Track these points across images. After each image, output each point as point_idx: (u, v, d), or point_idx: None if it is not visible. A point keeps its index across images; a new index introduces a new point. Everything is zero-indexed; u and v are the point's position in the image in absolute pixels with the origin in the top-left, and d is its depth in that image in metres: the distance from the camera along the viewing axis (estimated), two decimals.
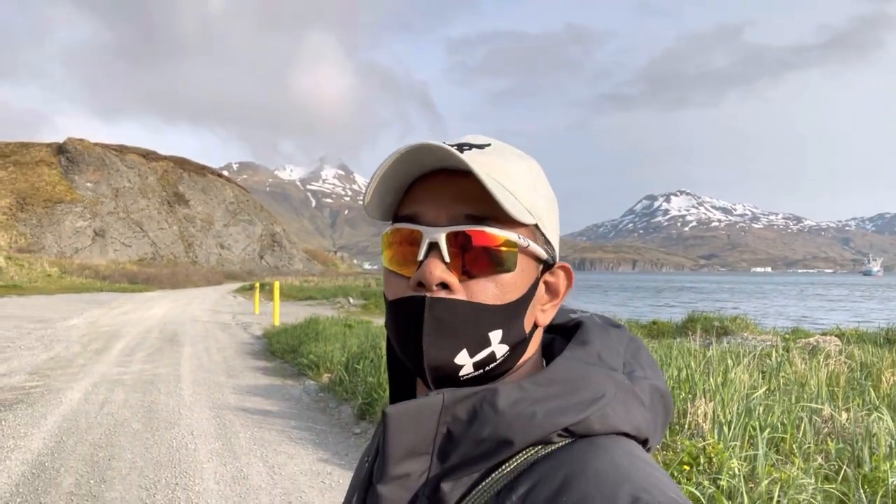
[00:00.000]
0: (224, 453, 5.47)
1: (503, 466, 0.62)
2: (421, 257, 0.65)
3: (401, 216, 0.69)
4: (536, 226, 0.69)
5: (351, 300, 28.60)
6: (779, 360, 7.52)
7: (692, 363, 5.97)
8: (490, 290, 0.65)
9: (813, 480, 3.24)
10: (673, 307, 37.67)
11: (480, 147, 0.68)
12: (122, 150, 76.76)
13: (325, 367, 9.06)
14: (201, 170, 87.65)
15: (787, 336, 14.27)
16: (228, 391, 8.13)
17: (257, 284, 27.40)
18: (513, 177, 0.67)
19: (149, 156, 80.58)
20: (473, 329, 0.65)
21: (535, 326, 0.71)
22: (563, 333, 0.77)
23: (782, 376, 6.22)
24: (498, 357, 0.67)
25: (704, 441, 4.20)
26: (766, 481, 3.32)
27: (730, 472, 3.41)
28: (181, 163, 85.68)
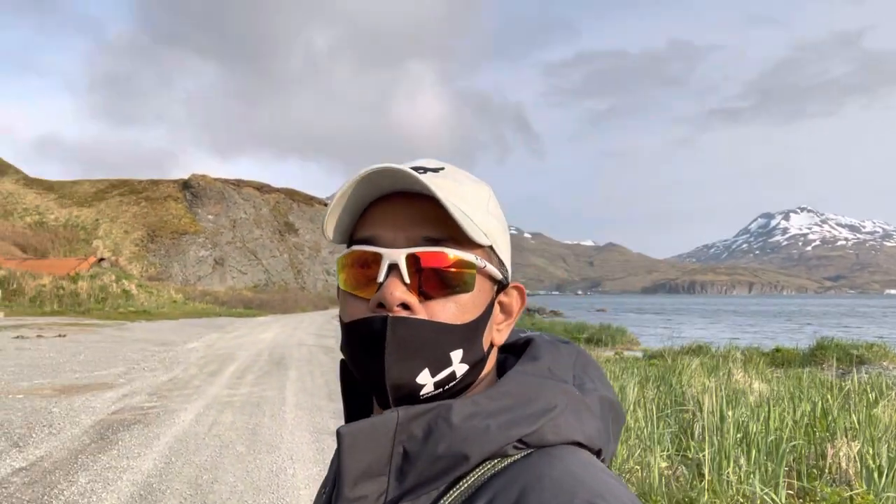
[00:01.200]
0: (321, 479, 5.41)
1: (461, 483, 0.63)
2: (381, 279, 0.67)
3: (358, 239, 0.71)
4: (491, 247, 0.71)
5: None
6: None
7: (829, 397, 5.30)
8: (450, 310, 0.67)
9: None
10: (795, 332, 34.80)
11: (435, 170, 0.70)
12: (238, 183, 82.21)
13: None
14: (309, 200, 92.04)
15: None
16: (328, 415, 8.17)
17: None
18: (468, 200, 0.69)
19: (262, 188, 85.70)
20: (435, 348, 0.66)
21: (492, 345, 0.73)
22: (514, 352, 0.78)
23: None
24: (458, 376, 0.68)
25: (851, 489, 3.64)
26: None
27: None
28: (291, 194, 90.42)
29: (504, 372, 0.75)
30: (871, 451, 3.97)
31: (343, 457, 0.64)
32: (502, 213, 0.76)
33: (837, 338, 16.07)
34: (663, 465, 4.40)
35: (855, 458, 3.92)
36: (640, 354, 17.60)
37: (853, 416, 4.52)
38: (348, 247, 0.73)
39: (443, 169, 0.71)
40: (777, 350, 16.30)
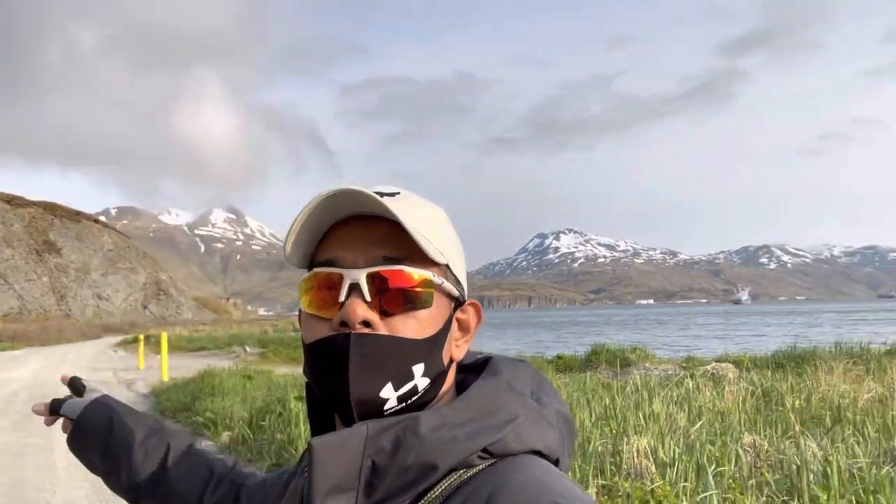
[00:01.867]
0: None
1: (428, 494, 0.65)
2: (342, 298, 0.69)
3: (318, 262, 0.73)
4: (447, 265, 0.74)
5: (247, 349, 27.12)
6: (688, 389, 7.66)
7: (616, 397, 5.90)
8: (410, 326, 0.70)
9: None
10: (566, 341, 38.70)
11: (391, 195, 0.73)
12: None
13: (224, 425, 8.28)
14: (75, 215, 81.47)
15: (684, 365, 14.87)
16: None
17: (141, 337, 25.33)
18: (424, 221, 0.71)
19: (13, 201, 73.91)
20: (397, 363, 0.68)
21: (451, 361, 0.75)
22: (473, 371, 0.80)
23: (699, 405, 6.29)
24: (420, 390, 0.70)
25: (644, 482, 4.05)
26: None
27: None
28: (51, 208, 79.26)
29: (464, 390, 0.76)
30: (661, 446, 4.48)
31: (314, 470, 0.64)
32: (456, 234, 0.78)
33: (607, 344, 18.14)
34: None
35: (646, 452, 4.39)
36: None
37: (640, 413, 5.08)
38: (309, 270, 0.74)
39: (398, 193, 0.74)
40: (559, 357, 17.91)
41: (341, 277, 0.70)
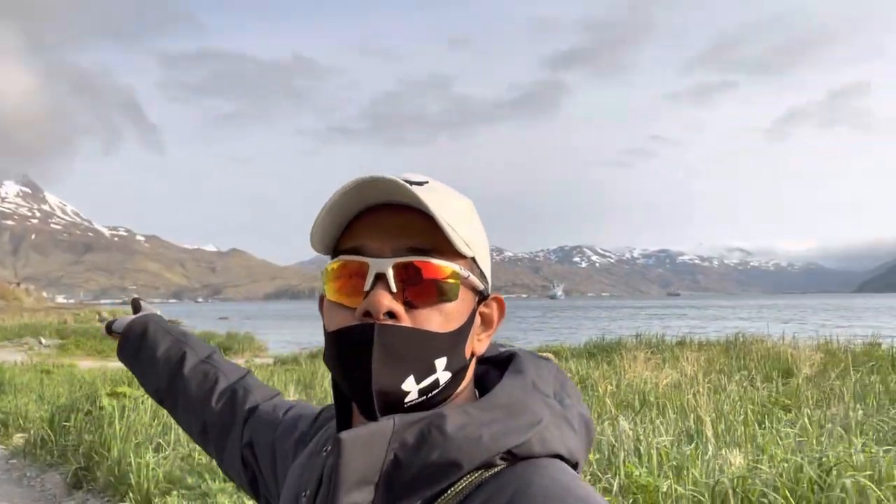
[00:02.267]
0: None
1: (449, 491, 0.65)
2: (367, 288, 0.68)
3: (344, 249, 0.72)
4: (473, 259, 0.73)
5: (43, 340, 24.17)
6: None
7: None
8: (435, 319, 0.69)
9: None
10: None
11: (420, 183, 0.71)
12: None
13: (16, 426, 7.28)
14: None
15: None
16: None
17: None
18: (452, 212, 0.70)
19: None
20: (420, 356, 0.68)
21: (472, 355, 0.75)
22: (495, 365, 0.79)
23: None
24: (441, 384, 0.70)
25: None
26: None
27: None
28: None
29: (485, 383, 0.77)
30: None
31: (342, 463, 0.64)
32: (482, 227, 0.77)
33: None
34: None
35: None
36: (270, 361, 17.54)
37: None
38: (333, 258, 0.74)
39: (427, 182, 0.72)
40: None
41: (367, 267, 0.69)
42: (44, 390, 8.84)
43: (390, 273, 0.68)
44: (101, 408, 6.28)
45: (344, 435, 0.65)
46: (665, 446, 4.41)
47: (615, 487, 3.62)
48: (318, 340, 22.04)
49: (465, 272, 0.71)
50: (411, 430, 0.65)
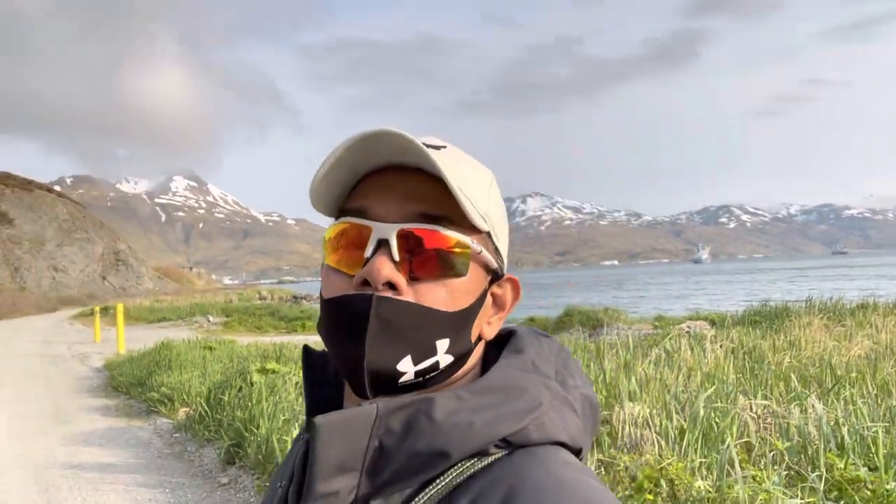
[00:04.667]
0: None
1: (437, 481, 0.59)
2: (368, 254, 0.62)
3: (347, 210, 0.66)
4: (489, 234, 0.66)
5: (210, 318, 26.36)
6: (667, 348, 7.35)
7: (605, 362, 5.52)
8: (440, 295, 0.63)
9: (799, 499, 2.75)
10: (541, 301, 38.69)
11: (437, 147, 0.65)
12: None
13: (181, 401, 7.74)
14: (27, 185, 78.09)
15: (656, 324, 14.72)
16: (56, 442, 6.61)
17: (97, 308, 24.33)
18: (470, 181, 0.64)
19: None
20: (421, 335, 0.62)
21: (479, 338, 0.68)
22: (494, 343, 0.71)
23: (687, 367, 5.96)
24: (441, 367, 0.64)
25: (642, 454, 3.68)
26: None
27: (697, 495, 2.86)
28: (2, 178, 75.83)
29: (484, 362, 0.69)
30: (664, 414, 4.09)
31: (318, 449, 0.58)
32: (503, 202, 0.71)
33: (579, 305, 17.96)
34: None
35: (643, 421, 4.02)
36: None
37: (634, 379, 4.69)
38: (336, 219, 0.68)
39: (445, 147, 0.66)
40: (531, 319, 17.69)
41: (369, 231, 0.62)
42: (205, 366, 9.40)
43: (394, 240, 0.61)
44: (252, 384, 6.45)
45: (320, 419, 0.58)
46: (874, 432, 3.61)
47: (821, 487, 2.93)
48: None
49: (477, 247, 0.64)
50: (397, 415, 0.59)
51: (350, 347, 0.61)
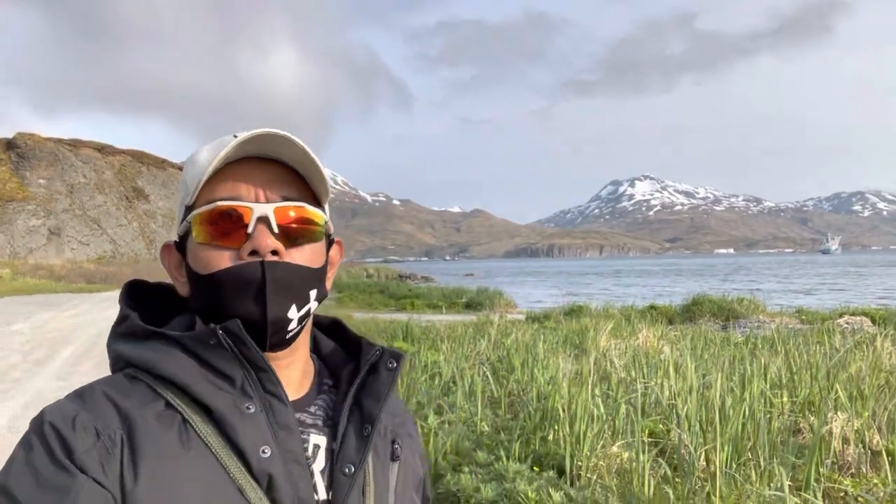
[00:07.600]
0: None
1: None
2: (251, 230, 0.78)
3: (218, 198, 0.80)
4: (324, 207, 0.87)
5: None
6: (848, 346, 6.39)
7: (808, 360, 4.76)
8: (306, 256, 0.82)
9: None
10: (657, 289, 36.91)
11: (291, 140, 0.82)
12: (75, 144, 73.06)
13: None
14: (160, 163, 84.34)
15: (803, 318, 13.34)
16: None
17: None
18: (318, 165, 0.83)
19: (104, 150, 77.03)
20: (301, 287, 0.80)
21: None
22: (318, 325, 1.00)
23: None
24: (311, 312, 0.84)
25: (864, 478, 3.00)
26: None
27: None
28: (139, 156, 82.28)
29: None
30: (866, 427, 3.38)
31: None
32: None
33: (709, 294, 16.68)
34: (624, 456, 3.60)
35: (854, 437, 3.32)
36: (522, 317, 17.30)
37: (843, 390, 3.94)
38: (207, 204, 0.80)
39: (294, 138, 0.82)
40: (652, 307, 16.65)
41: (249, 211, 0.78)
42: None
43: (272, 216, 0.78)
44: None
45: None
46: None
47: None
48: (566, 298, 21.26)
49: (326, 217, 0.85)
50: None
51: (252, 306, 0.77)
